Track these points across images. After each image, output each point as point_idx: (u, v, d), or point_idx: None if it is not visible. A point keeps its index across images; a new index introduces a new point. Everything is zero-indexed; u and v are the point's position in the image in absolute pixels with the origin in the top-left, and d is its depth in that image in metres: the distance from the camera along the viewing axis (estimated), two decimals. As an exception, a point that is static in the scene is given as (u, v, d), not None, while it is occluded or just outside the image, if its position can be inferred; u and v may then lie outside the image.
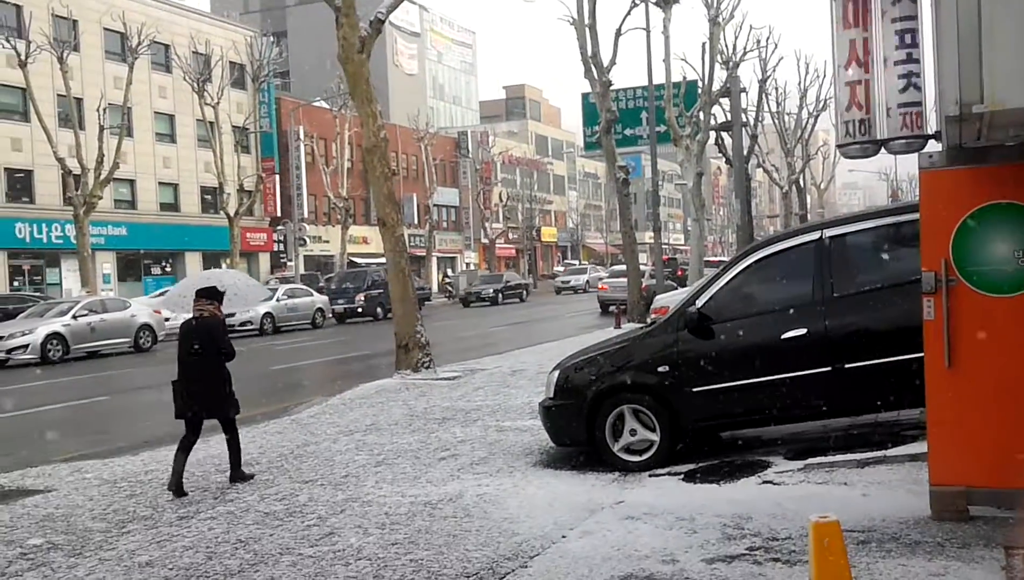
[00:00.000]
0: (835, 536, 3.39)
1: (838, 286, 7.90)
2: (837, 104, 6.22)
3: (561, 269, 71.53)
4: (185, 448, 8.76)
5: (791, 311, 8.00)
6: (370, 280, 38.97)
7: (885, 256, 7.96)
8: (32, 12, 38.91)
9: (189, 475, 9.18)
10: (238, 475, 8.92)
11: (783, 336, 7.86)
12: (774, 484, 7.26)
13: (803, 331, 7.81)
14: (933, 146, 6.02)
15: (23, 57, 34.39)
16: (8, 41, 35.92)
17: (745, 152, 28.80)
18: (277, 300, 33.77)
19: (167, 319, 27.26)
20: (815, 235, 8.14)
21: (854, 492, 6.75)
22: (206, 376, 8.77)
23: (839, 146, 6.28)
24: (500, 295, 49.70)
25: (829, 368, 7.69)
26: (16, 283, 41.98)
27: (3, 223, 41.24)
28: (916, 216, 6.15)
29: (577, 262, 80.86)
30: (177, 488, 8.42)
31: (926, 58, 5.87)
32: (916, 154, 6.01)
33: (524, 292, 53.25)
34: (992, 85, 4.67)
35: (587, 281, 58.03)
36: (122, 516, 7.77)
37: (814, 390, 7.78)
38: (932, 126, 5.95)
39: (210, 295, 8.96)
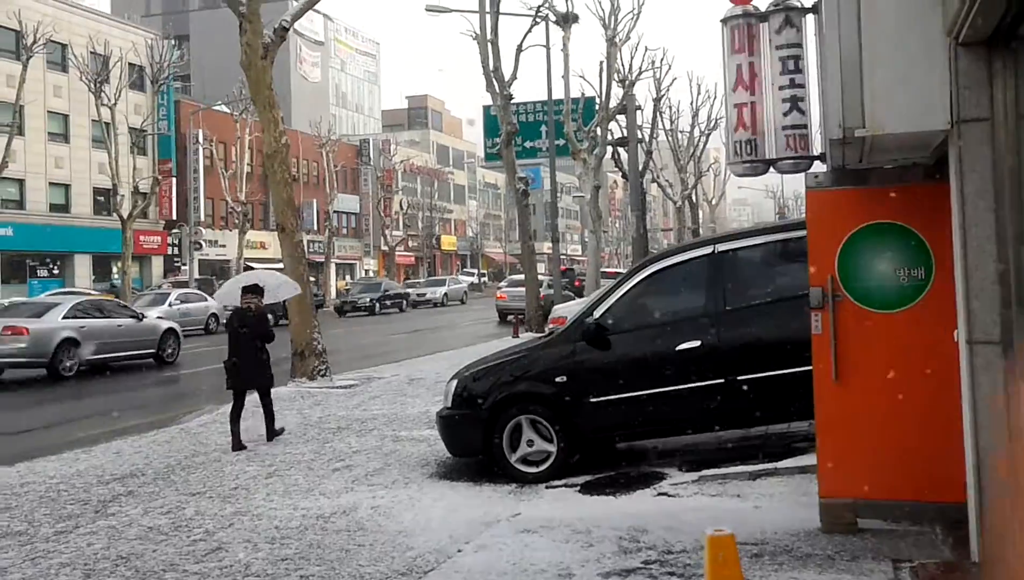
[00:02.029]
0: (730, 550, 3.40)
1: (730, 299, 8.03)
2: (727, 124, 6.34)
3: (421, 280, 64.93)
4: (236, 418, 10.90)
5: (685, 323, 8.11)
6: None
7: (775, 271, 8.15)
8: (-82, 6, 37.55)
9: (68, 487, 8.83)
10: (273, 434, 11.09)
11: (678, 348, 7.95)
12: (669, 496, 7.31)
13: (697, 343, 7.91)
14: (819, 167, 6.18)
15: None
16: None
17: (640, 167, 29.28)
18: (169, 305, 32.80)
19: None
20: (708, 249, 8.28)
21: (746, 504, 6.84)
22: (250, 355, 11.02)
23: (729, 164, 6.39)
24: (377, 305, 46.06)
25: (722, 380, 7.80)
26: None
27: None
28: (804, 233, 6.28)
29: (442, 272, 79.65)
30: (236, 446, 10.57)
31: (811, 83, 6.05)
32: (803, 174, 6.16)
33: (403, 302, 49.55)
34: (873, 110, 4.88)
35: (445, 294, 54.19)
36: (-7, 531, 7.38)
37: (708, 401, 7.87)
38: (818, 148, 6.11)
39: (254, 291, 11.36)
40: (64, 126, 49.29)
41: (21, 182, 46.11)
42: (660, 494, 7.40)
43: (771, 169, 6.25)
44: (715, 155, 69.10)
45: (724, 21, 6.22)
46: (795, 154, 6.05)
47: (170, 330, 22.98)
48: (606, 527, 6.48)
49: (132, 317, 22.35)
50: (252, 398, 11.23)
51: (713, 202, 71.95)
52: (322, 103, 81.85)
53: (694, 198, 57.68)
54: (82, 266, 50.11)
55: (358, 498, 7.87)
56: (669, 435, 8.56)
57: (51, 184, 48.42)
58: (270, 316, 14.78)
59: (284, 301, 15.31)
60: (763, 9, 6.16)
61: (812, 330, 6.02)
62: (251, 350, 11.06)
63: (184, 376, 20.41)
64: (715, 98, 52.52)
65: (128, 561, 6.35)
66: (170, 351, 22.66)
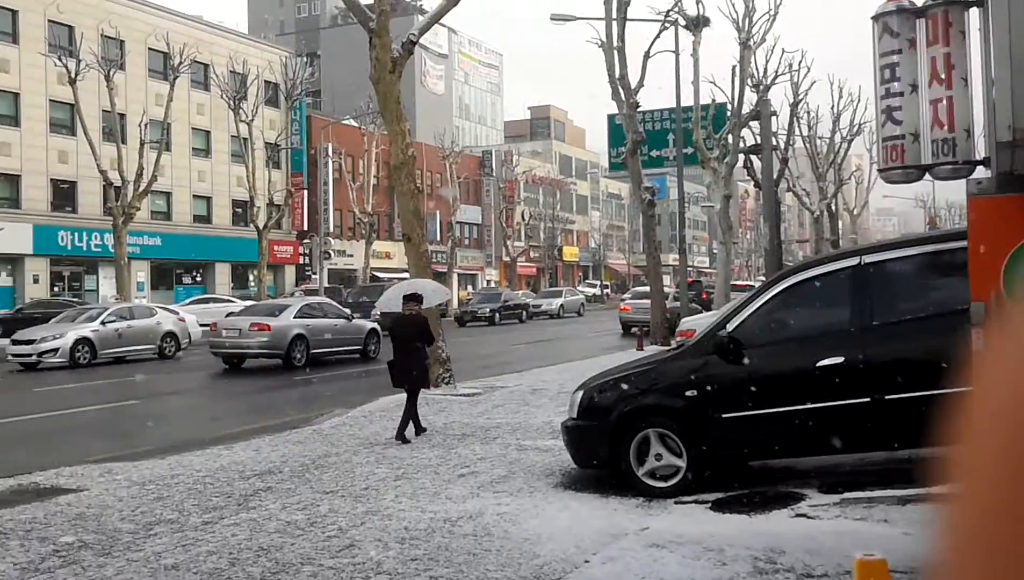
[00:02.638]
0: (881, 575, 3.29)
1: (877, 314, 7.71)
2: (877, 127, 6.14)
3: (531, 293, 63.92)
4: (407, 411, 11.81)
5: (827, 338, 7.82)
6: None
7: (928, 284, 7.79)
8: (83, 32, 40.76)
9: (213, 480, 9.24)
10: (402, 435, 11.54)
11: (818, 364, 7.64)
12: (808, 518, 7.06)
13: (840, 359, 7.59)
14: (982, 172, 5.91)
15: (73, 75, 35.71)
16: (60, 60, 37.23)
17: (775, 175, 28.53)
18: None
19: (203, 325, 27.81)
20: (853, 261, 7.96)
21: (895, 530, 6.53)
22: (411, 357, 12.04)
23: (881, 171, 6.18)
24: (497, 315, 45.70)
25: (868, 399, 7.47)
26: (56, 288, 43.24)
27: (47, 231, 42.60)
28: (962, 244, 5.99)
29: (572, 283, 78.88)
30: (415, 430, 11.75)
31: (974, 82, 5.78)
32: (964, 180, 5.89)
33: (523, 312, 49.28)
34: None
35: (561, 305, 53.37)
36: (149, 518, 7.80)
37: (851, 421, 7.54)
38: (980, 152, 5.85)
39: (415, 298, 12.54)
40: (206, 142, 51.84)
41: (168, 195, 48.78)
42: (798, 515, 7.16)
43: (926, 176, 6.02)
44: (857, 162, 66.42)
45: (875, 18, 6.05)
46: (949, 160, 5.77)
47: (373, 330, 25.71)
48: (740, 546, 6.34)
49: (344, 318, 25.37)
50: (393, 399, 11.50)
51: (855, 212, 69.05)
52: (445, 115, 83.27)
53: (833, 208, 55.23)
54: (222, 274, 52.41)
55: (484, 504, 7.94)
56: (807, 455, 8.23)
57: (194, 196, 51.07)
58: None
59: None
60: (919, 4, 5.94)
61: (973, 347, 5.75)
62: (413, 352, 12.10)
63: (310, 381, 20.97)
64: (859, 101, 50.03)
65: (268, 552, 6.59)
66: (372, 348, 25.20)
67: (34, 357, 24.64)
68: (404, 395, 11.81)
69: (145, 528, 7.47)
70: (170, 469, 10.00)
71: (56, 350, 24.62)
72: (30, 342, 24.98)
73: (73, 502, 8.50)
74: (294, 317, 23.71)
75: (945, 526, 0.59)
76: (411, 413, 11.86)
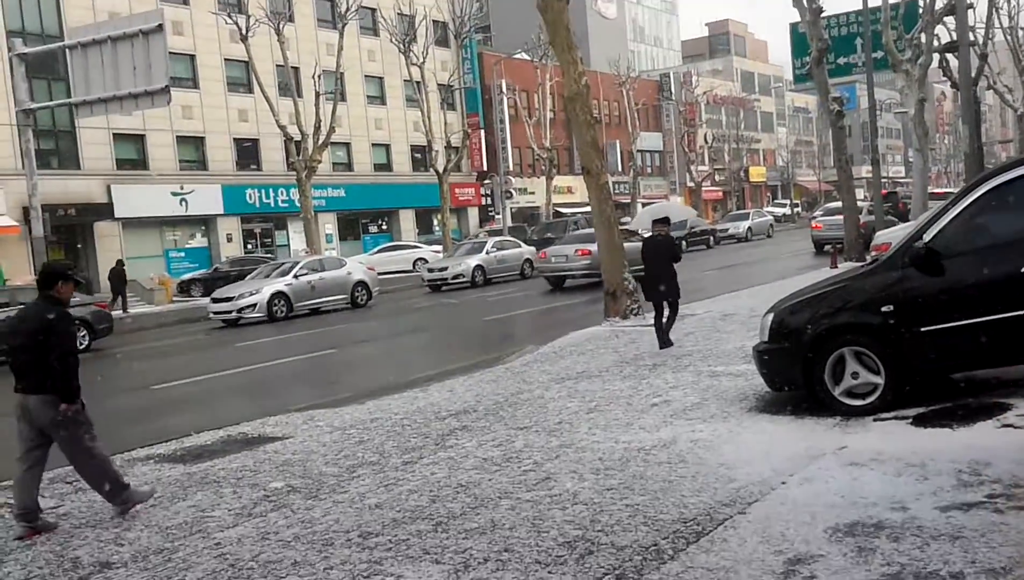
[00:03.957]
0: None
1: None
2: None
3: (718, 217, 63.02)
4: (658, 318, 13.41)
5: None
6: (571, 229, 38.93)
7: None
8: (250, -14, 41.22)
9: (410, 422, 9.62)
10: (665, 342, 13.12)
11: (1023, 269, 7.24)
12: (1016, 427, 6.73)
13: None
14: None
15: (244, 31, 36.18)
16: (230, 17, 38.16)
17: (973, 74, 26.57)
18: (487, 253, 34.53)
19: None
20: None
21: (1109, 435, 6.19)
22: (664, 273, 13.41)
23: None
24: (684, 242, 43.08)
25: None
26: (249, 246, 45.20)
27: (236, 190, 44.41)
28: None
29: (768, 203, 76.36)
30: (664, 344, 13.05)
31: None
32: None
33: (711, 238, 48.19)
34: None
35: (749, 228, 52.07)
36: (352, 461, 8.18)
37: None
38: None
39: (664, 221, 13.94)
40: (380, 89, 52.81)
41: (347, 145, 50.11)
42: (1004, 426, 6.82)
43: None
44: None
45: None
46: None
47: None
48: (942, 460, 6.11)
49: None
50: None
51: (1063, 106, 63.82)
52: (619, 40, 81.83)
53: (1038, 102, 51.45)
54: (406, 221, 53.83)
55: (677, 432, 7.92)
56: (1013, 364, 7.84)
57: (373, 145, 52.26)
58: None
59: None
60: None
61: None
62: (665, 269, 13.44)
63: (500, 321, 21.38)
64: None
65: (467, 489, 6.82)
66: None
67: (234, 313, 26.08)
68: (595, 329, 11.96)
69: (348, 471, 7.85)
70: (369, 413, 10.46)
71: (254, 305, 25.99)
72: (229, 299, 26.40)
73: (279, 449, 9.01)
74: None
75: None
76: (672, 321, 13.48)
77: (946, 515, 5.14)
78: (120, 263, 35.53)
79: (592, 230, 29.50)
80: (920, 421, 7.36)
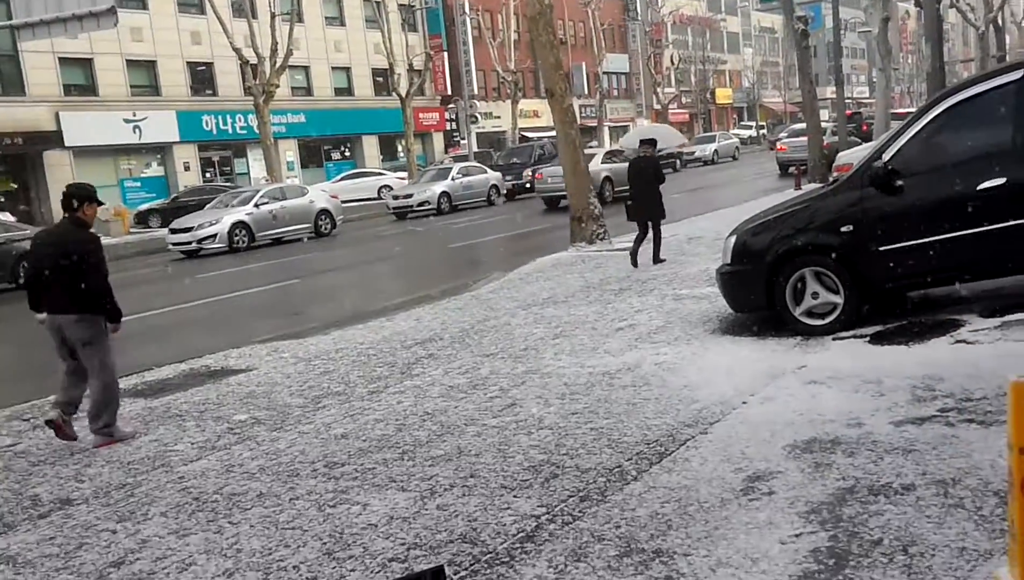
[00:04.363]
0: (1036, 396, 3.17)
1: None
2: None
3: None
4: (639, 240, 13.85)
5: (989, 160, 7.40)
6: (537, 154, 38.68)
7: None
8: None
9: (376, 351, 9.64)
10: (658, 259, 13.63)
11: (979, 187, 7.30)
12: (968, 343, 6.88)
13: (1002, 181, 7.23)
14: None
15: None
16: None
17: (936, -9, 26.51)
18: (452, 179, 34.29)
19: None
20: (1016, 75, 7.41)
21: (1058, 350, 6.33)
22: (647, 194, 13.85)
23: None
24: None
25: None
26: (208, 174, 44.43)
27: (191, 116, 43.46)
28: None
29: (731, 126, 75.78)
30: (634, 263, 13.49)
31: None
32: None
33: (677, 161, 47.21)
34: None
35: (715, 151, 52.47)
36: (317, 392, 8.21)
37: (1012, 243, 7.23)
38: None
39: (649, 143, 14.34)
40: (338, 9, 51.60)
41: (307, 69, 49.08)
42: (958, 342, 6.97)
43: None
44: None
45: None
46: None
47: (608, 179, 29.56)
48: (898, 377, 6.25)
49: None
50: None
51: (1023, 24, 63.98)
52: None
53: (1000, 21, 51.45)
54: (370, 147, 53.21)
55: (642, 355, 8.01)
56: (969, 281, 7.96)
57: (333, 68, 51.23)
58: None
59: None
60: None
61: None
62: (649, 190, 13.90)
63: (466, 248, 21.37)
64: None
65: (433, 416, 6.88)
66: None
67: (194, 244, 25.68)
68: (561, 254, 12.00)
69: (314, 402, 7.87)
70: (334, 344, 10.45)
71: (214, 236, 25.60)
72: (188, 230, 25.99)
73: (243, 381, 9.00)
74: (601, 163, 29.68)
75: None
76: (658, 240, 13.87)
77: (900, 430, 5.27)
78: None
79: (591, 151, 31.48)
80: (877, 339, 7.50)
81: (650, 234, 13.95)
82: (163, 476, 6.25)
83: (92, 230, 7.20)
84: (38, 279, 7.14)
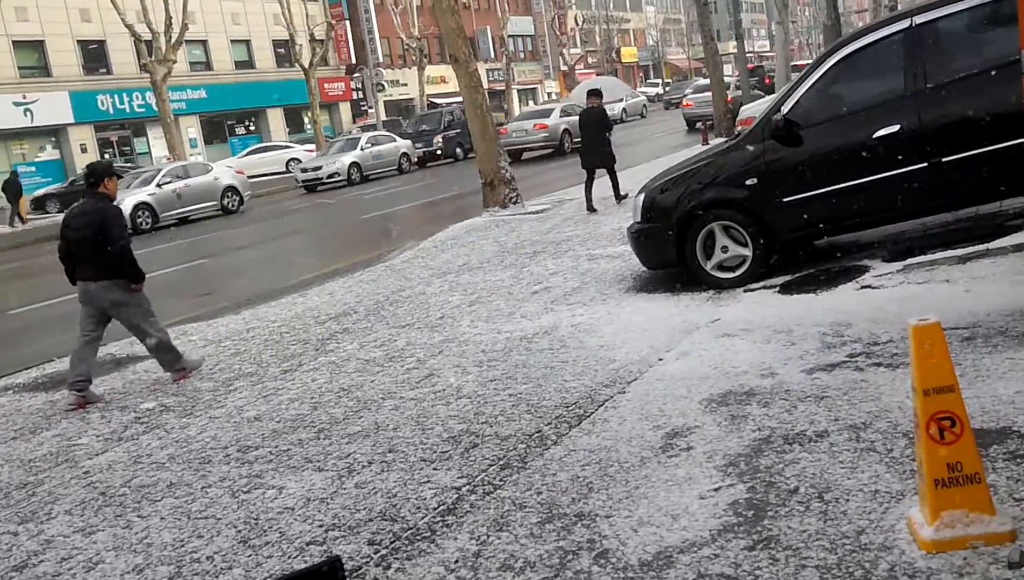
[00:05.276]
0: (936, 338, 3.21)
1: (931, 76, 7.41)
2: None
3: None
4: (588, 189, 14.94)
5: (883, 108, 7.57)
6: (446, 120, 38.32)
7: (980, 39, 7.44)
8: None
9: (289, 329, 9.46)
10: (620, 198, 14.87)
11: (875, 135, 7.47)
12: (873, 288, 7.02)
13: (896, 128, 7.41)
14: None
15: None
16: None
17: (829, -58, 26.95)
18: (361, 149, 33.83)
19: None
20: (904, 24, 7.58)
21: (956, 289, 6.48)
22: (597, 141, 15.01)
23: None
24: None
25: (925, 164, 7.34)
26: (107, 155, 42.97)
27: (86, 96, 42.09)
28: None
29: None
30: (590, 209, 14.60)
31: None
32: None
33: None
34: None
35: (624, 110, 49.62)
36: (228, 374, 8.01)
37: (910, 188, 7.43)
38: None
39: (596, 94, 15.62)
40: (235, -20, 50.27)
41: (204, 43, 47.84)
42: (864, 287, 7.11)
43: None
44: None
45: None
46: None
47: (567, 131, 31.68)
48: (808, 324, 6.35)
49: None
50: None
51: (913, -28, 65.58)
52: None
53: (890, -29, 52.87)
54: (275, 120, 52.20)
55: (558, 318, 8.00)
56: (871, 227, 8.15)
57: (232, 41, 50.04)
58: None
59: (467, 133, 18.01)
60: None
61: (1025, 98, 5.48)
62: (598, 137, 15.05)
63: (379, 218, 21.13)
64: None
65: (349, 392, 6.76)
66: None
67: None
68: (475, 220, 12.00)
69: (225, 385, 7.68)
70: (245, 323, 10.22)
71: None
72: None
73: (150, 368, 8.68)
74: (559, 117, 32.24)
75: None
76: (615, 183, 15.07)
77: (811, 377, 5.34)
78: (15, 173, 33.57)
79: (549, 106, 34.80)
80: (786, 289, 7.62)
81: (607, 180, 15.22)
82: (67, 472, 6.02)
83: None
84: (70, 253, 7.83)
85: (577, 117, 24.58)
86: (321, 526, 4.48)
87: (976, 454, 3.26)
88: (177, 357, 8.03)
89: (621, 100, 49.73)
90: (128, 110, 44.02)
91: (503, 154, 17.24)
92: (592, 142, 15.23)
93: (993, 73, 7.05)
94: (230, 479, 5.35)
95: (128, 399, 7.76)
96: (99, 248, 7.59)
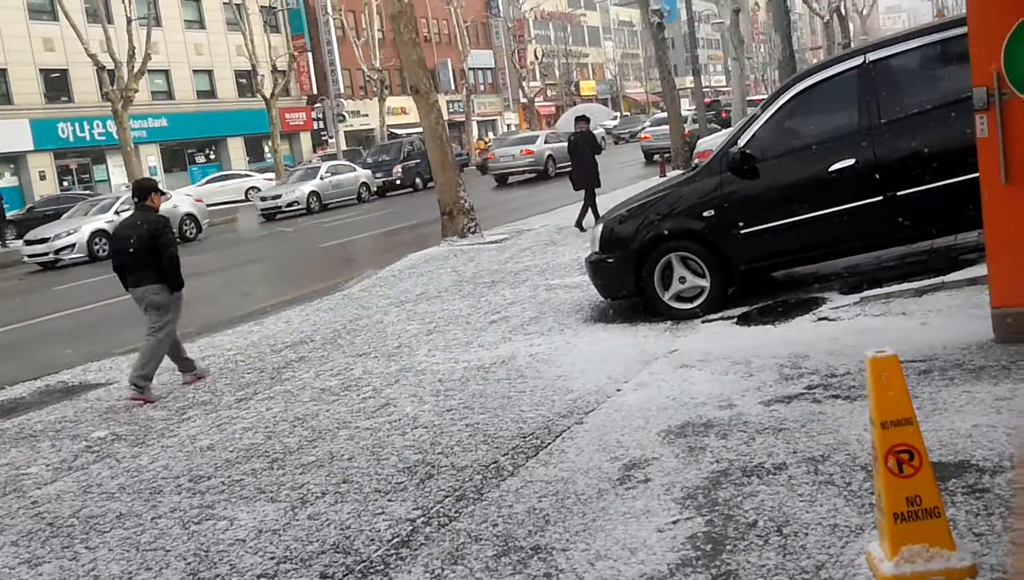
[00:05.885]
0: (894, 370, 3.21)
1: (885, 111, 7.53)
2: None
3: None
4: (592, 206, 15.43)
5: (838, 142, 7.69)
6: (406, 150, 38.39)
7: (933, 76, 7.59)
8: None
9: (244, 357, 9.32)
10: (580, 226, 15.25)
11: (831, 168, 7.57)
12: (830, 320, 7.07)
13: (851, 161, 7.52)
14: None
15: None
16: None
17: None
18: (321, 178, 33.73)
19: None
20: (858, 60, 7.73)
21: (912, 322, 6.54)
22: (586, 164, 15.81)
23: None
24: None
25: (880, 197, 7.43)
26: (65, 183, 42.65)
27: (46, 124, 41.80)
28: (964, 30, 5.74)
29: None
30: (578, 225, 15.29)
31: None
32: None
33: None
34: None
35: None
36: (182, 403, 7.88)
37: (866, 221, 7.52)
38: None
39: (583, 119, 16.38)
40: (198, 12, 50.40)
41: (167, 73, 47.68)
42: (820, 319, 7.16)
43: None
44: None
45: None
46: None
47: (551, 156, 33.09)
48: (765, 356, 6.36)
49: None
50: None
51: (864, 12, 67.20)
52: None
53: (843, 10, 54.17)
54: (235, 149, 52.01)
55: (516, 347, 7.96)
56: (826, 260, 8.23)
57: (195, 71, 49.95)
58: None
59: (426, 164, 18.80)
60: None
61: (977, 133, 5.57)
62: (587, 161, 15.77)
63: (337, 246, 21.02)
64: None
65: (304, 422, 6.66)
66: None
67: (51, 255, 24.45)
68: (433, 249, 12.00)
69: (178, 413, 7.56)
70: (200, 351, 10.05)
71: (73, 245, 24.42)
72: (44, 240, 24.73)
73: (103, 396, 8.57)
74: (544, 143, 33.74)
75: None
76: (590, 207, 15.40)
77: (769, 409, 5.34)
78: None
79: (534, 133, 36.26)
80: (744, 320, 7.65)
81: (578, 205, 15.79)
82: (14, 502, 5.85)
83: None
84: (122, 262, 8.40)
85: (560, 144, 25.71)
86: (273, 558, 4.38)
87: (935, 488, 3.24)
88: (151, 374, 8.23)
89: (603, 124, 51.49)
90: (88, 138, 43.70)
91: (462, 184, 17.26)
92: (582, 165, 15.90)
93: (946, 109, 7.18)
94: (181, 510, 5.23)
95: (80, 427, 7.59)
96: (149, 256, 8.20)
